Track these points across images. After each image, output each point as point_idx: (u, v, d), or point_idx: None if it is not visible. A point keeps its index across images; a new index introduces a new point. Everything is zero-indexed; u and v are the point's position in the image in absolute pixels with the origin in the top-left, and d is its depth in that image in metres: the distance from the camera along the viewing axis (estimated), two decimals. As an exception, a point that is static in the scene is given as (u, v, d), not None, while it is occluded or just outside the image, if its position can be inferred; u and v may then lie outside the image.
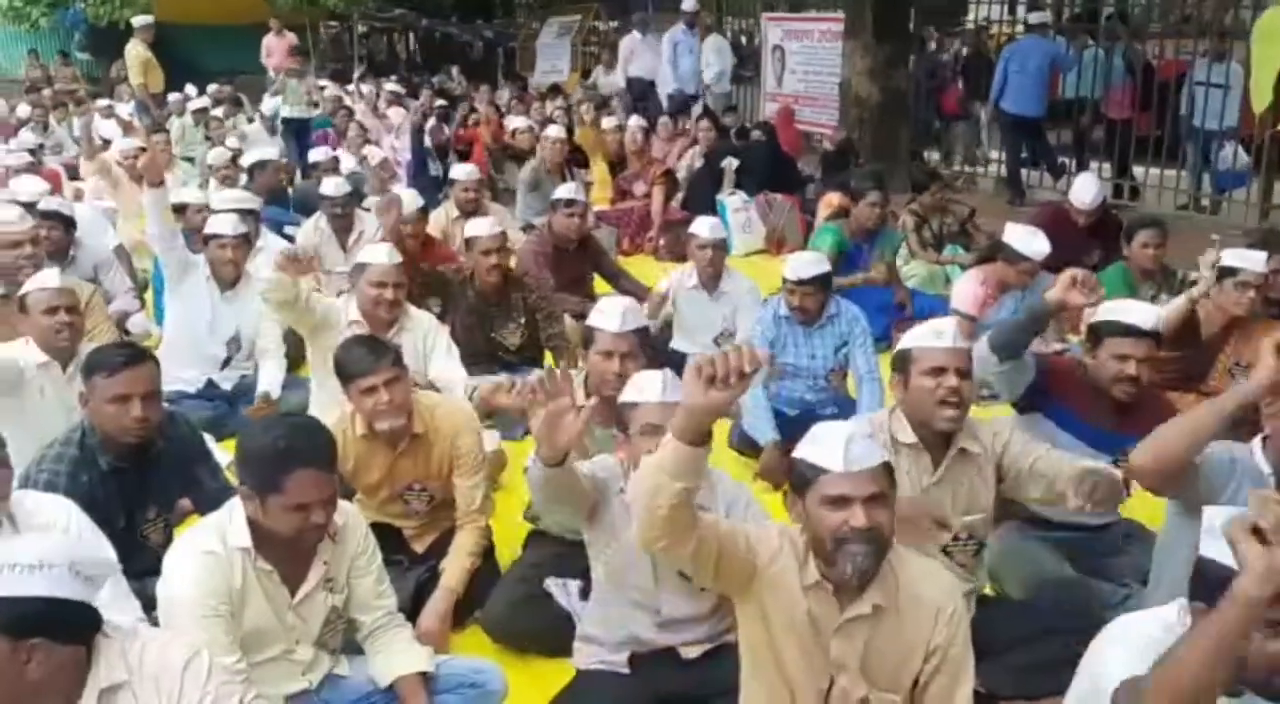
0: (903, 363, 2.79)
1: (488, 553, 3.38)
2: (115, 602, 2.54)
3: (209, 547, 2.41)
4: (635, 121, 8.94)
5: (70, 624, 1.85)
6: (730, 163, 8.42)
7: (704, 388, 1.87)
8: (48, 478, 2.90)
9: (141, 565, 2.82)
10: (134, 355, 3.05)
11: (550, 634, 3.07)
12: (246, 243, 5.02)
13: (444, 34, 20.77)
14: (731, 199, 8.22)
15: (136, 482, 3.08)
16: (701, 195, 8.31)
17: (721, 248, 5.17)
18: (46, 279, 3.88)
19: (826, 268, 4.47)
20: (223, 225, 4.90)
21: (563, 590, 3.10)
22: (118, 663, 1.92)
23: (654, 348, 3.42)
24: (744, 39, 13.55)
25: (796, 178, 8.98)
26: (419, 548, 3.43)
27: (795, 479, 2.13)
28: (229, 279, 4.91)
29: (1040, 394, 3.20)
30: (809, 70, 10.95)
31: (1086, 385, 3.18)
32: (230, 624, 2.39)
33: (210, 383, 4.93)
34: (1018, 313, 4.91)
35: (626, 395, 2.64)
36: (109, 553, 2.45)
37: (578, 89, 14.04)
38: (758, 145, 9.05)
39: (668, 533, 2.05)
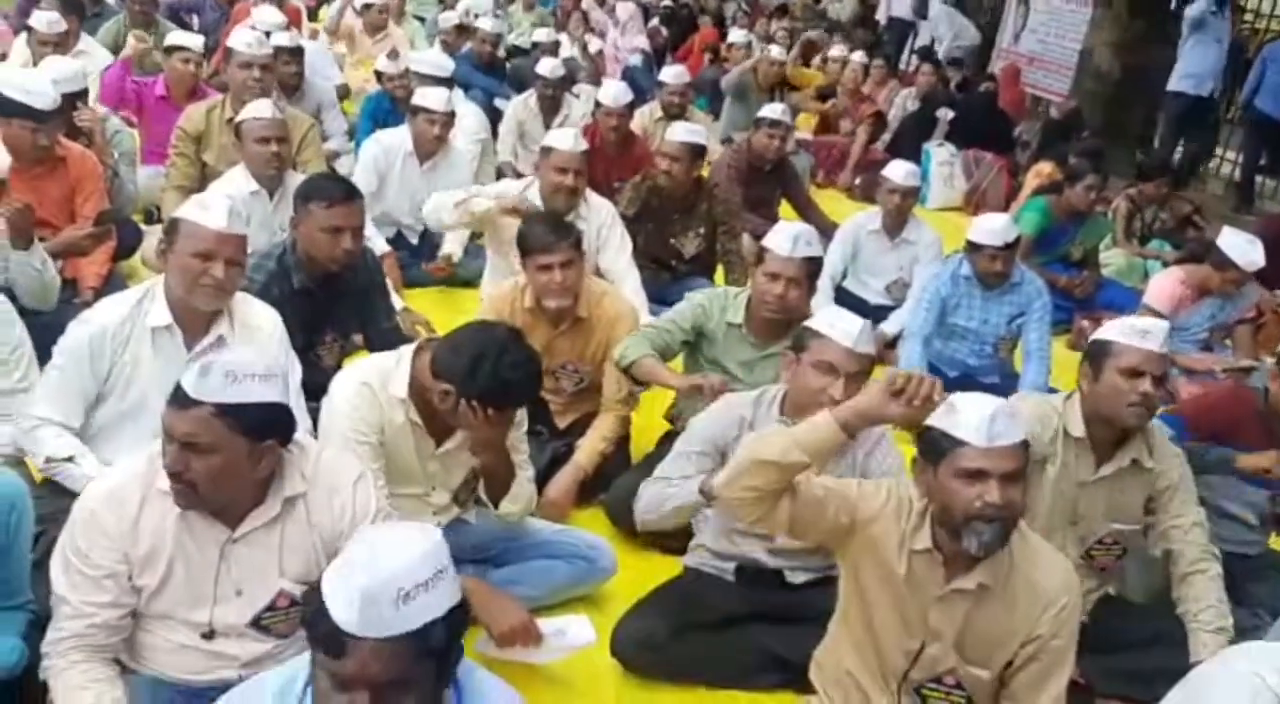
0: (1098, 355, 2.65)
1: (623, 442, 3.49)
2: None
3: (370, 380, 2.57)
4: (858, 58, 8.72)
5: (288, 427, 2.03)
6: (945, 113, 8.16)
7: (889, 400, 1.97)
8: (244, 284, 3.13)
9: (311, 383, 3.04)
10: (351, 191, 3.26)
11: (666, 531, 3.14)
12: (452, 119, 5.07)
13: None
14: (939, 150, 7.98)
15: (321, 304, 3.31)
16: (908, 140, 8.09)
17: (912, 195, 5.07)
18: (261, 109, 4.10)
19: (1017, 234, 4.34)
20: (433, 101, 4.92)
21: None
22: (297, 475, 2.09)
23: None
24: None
25: (1010, 139, 8.63)
26: (561, 423, 3.57)
27: (927, 447, 2.05)
28: (430, 152, 5.01)
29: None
30: (1050, 32, 10.39)
31: (1259, 416, 3.03)
32: (378, 453, 2.56)
33: (399, 234, 5.17)
34: (1216, 318, 4.68)
35: (818, 324, 2.62)
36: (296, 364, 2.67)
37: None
38: (976, 98, 8.71)
39: (756, 507, 2.10)
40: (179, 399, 1.93)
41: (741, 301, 3.38)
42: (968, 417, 1.99)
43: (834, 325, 2.60)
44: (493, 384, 2.41)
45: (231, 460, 1.94)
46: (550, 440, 3.49)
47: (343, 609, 1.43)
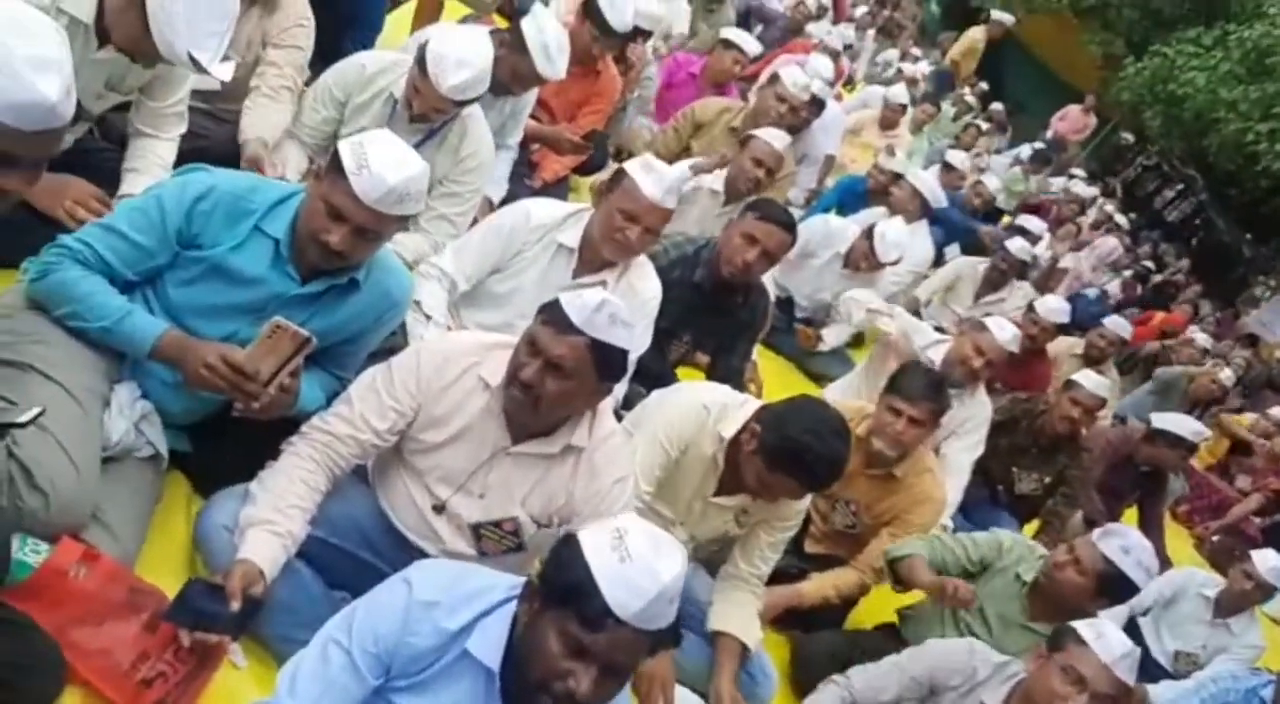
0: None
1: (847, 603, 3.41)
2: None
3: (712, 407, 2.68)
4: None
5: (621, 376, 2.21)
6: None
7: None
8: (656, 249, 3.31)
9: (646, 366, 3.19)
10: (788, 226, 3.46)
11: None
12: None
13: (1208, 219, 19.46)
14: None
15: (700, 308, 3.48)
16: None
17: (1265, 593, 4.62)
18: (775, 138, 4.40)
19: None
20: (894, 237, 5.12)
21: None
22: (586, 429, 2.22)
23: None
24: None
25: None
26: (809, 547, 3.53)
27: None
28: (860, 268, 5.16)
29: None
30: None
31: None
32: (668, 463, 2.67)
33: (790, 298, 5.29)
34: None
35: (1084, 629, 2.51)
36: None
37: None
38: None
39: None
40: (562, 323, 2.05)
41: (1037, 566, 3.24)
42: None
43: (1101, 636, 2.47)
44: (790, 443, 2.47)
45: (580, 390, 2.09)
46: (787, 555, 3.46)
47: (626, 595, 1.50)
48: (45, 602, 1.82)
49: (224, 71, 2.25)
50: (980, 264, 6.39)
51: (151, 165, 2.53)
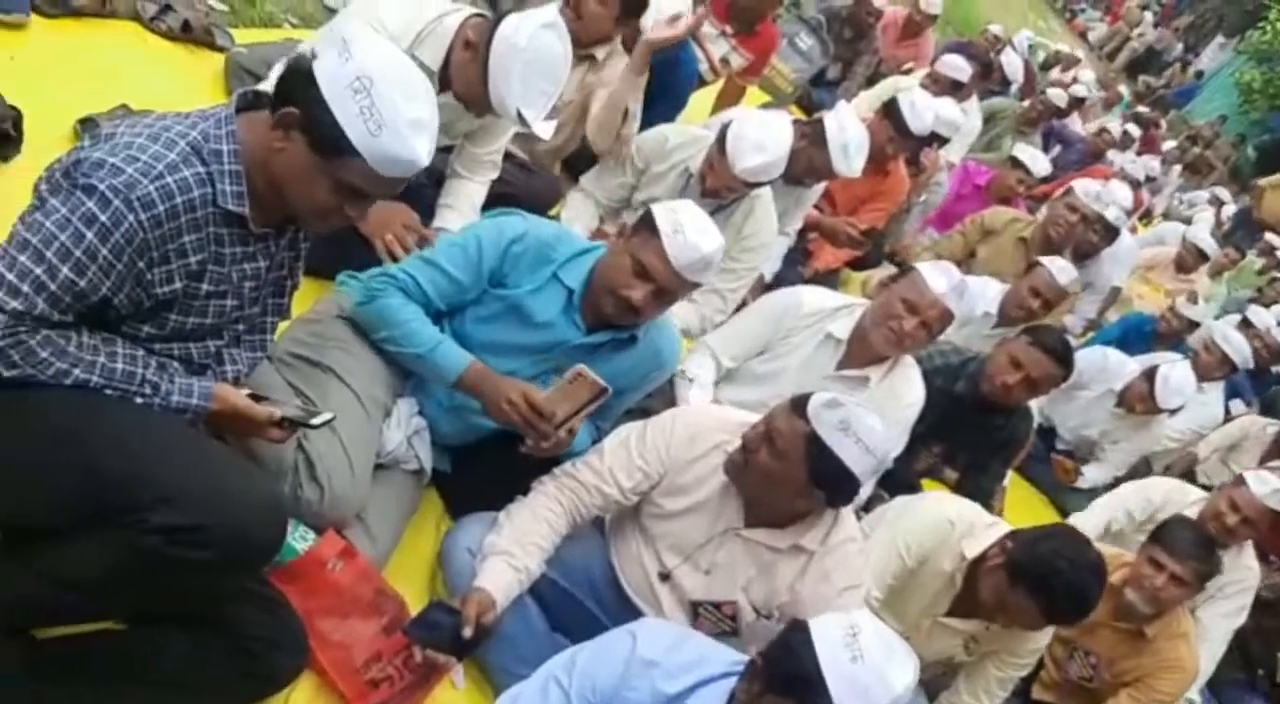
0: None
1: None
2: None
3: (958, 523, 2.60)
4: None
5: (845, 497, 2.15)
6: None
7: None
8: (923, 353, 3.24)
9: (892, 470, 3.11)
10: (1061, 356, 3.39)
11: None
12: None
13: None
14: None
15: (955, 420, 3.39)
16: None
17: None
18: (1060, 268, 4.28)
19: None
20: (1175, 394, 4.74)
21: None
22: (820, 534, 2.17)
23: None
24: None
25: None
26: (1037, 693, 3.38)
27: None
28: (1133, 408, 4.82)
29: None
30: None
31: None
32: (902, 575, 2.60)
33: (1054, 430, 5.04)
34: None
35: None
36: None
37: None
38: None
39: None
40: (798, 404, 2.06)
41: None
42: None
43: None
44: (1041, 563, 2.37)
45: (786, 478, 2.06)
46: (1013, 696, 3.26)
47: (853, 697, 1.49)
48: (302, 587, 1.96)
49: (546, 129, 2.41)
50: (1271, 427, 5.85)
51: (463, 204, 2.74)
